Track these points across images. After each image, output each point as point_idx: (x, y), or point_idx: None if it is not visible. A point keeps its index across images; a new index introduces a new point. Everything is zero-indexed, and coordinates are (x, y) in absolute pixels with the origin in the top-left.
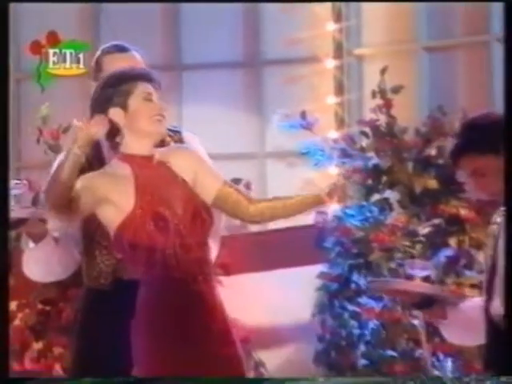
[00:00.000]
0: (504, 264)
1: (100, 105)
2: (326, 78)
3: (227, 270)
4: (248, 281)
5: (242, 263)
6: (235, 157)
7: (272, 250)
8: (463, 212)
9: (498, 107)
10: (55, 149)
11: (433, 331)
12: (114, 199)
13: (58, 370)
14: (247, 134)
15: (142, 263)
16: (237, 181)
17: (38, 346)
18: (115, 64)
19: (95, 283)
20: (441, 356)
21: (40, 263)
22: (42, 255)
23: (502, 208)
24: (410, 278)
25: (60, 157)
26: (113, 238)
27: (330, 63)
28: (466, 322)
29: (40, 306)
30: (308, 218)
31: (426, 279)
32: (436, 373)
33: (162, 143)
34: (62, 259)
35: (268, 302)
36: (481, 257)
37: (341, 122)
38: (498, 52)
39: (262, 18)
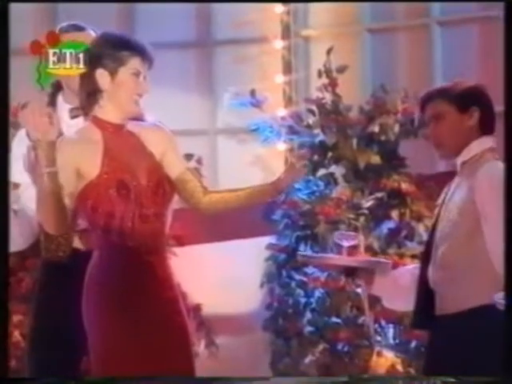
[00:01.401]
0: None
1: (91, 59)
2: (274, 58)
3: (181, 241)
4: (200, 251)
5: (195, 235)
6: (187, 133)
7: (223, 223)
8: (404, 186)
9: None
10: (15, 125)
11: (375, 299)
12: (82, 165)
13: (16, 335)
14: (199, 112)
15: (99, 228)
16: (189, 156)
17: None
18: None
19: (53, 255)
20: (383, 322)
21: None
22: None
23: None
24: (338, 247)
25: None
26: (75, 201)
27: (279, 44)
28: (397, 288)
29: None
30: None
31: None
32: (378, 339)
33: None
34: (23, 230)
35: (219, 271)
36: (421, 228)
37: (288, 100)
38: (437, 34)
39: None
